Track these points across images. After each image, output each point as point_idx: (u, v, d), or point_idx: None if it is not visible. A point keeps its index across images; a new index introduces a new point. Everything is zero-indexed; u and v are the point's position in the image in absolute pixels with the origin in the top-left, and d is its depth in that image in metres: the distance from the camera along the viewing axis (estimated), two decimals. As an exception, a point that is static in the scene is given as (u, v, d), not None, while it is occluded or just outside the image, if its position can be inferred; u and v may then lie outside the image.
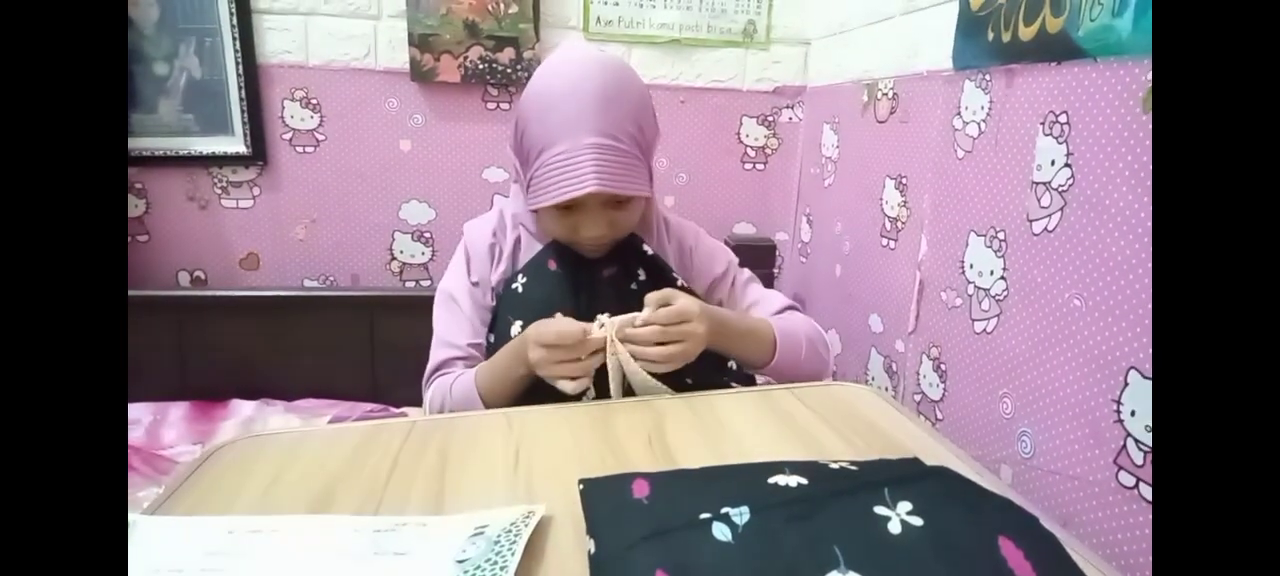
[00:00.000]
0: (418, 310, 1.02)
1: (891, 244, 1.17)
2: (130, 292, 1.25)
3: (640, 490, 0.47)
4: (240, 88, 1.40)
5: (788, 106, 1.61)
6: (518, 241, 0.87)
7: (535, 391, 0.74)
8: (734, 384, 0.86)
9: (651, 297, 0.72)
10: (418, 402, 0.97)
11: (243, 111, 1.42)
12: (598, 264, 0.83)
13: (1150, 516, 0.67)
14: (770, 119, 1.61)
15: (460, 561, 0.42)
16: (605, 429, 0.64)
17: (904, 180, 1.14)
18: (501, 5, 1.41)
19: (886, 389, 1.19)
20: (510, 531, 0.44)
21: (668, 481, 0.48)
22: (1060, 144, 0.78)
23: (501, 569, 0.41)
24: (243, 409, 1.38)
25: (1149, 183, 0.67)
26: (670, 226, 0.91)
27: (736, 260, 0.94)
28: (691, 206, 1.60)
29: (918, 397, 1.08)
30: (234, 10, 1.36)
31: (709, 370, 0.82)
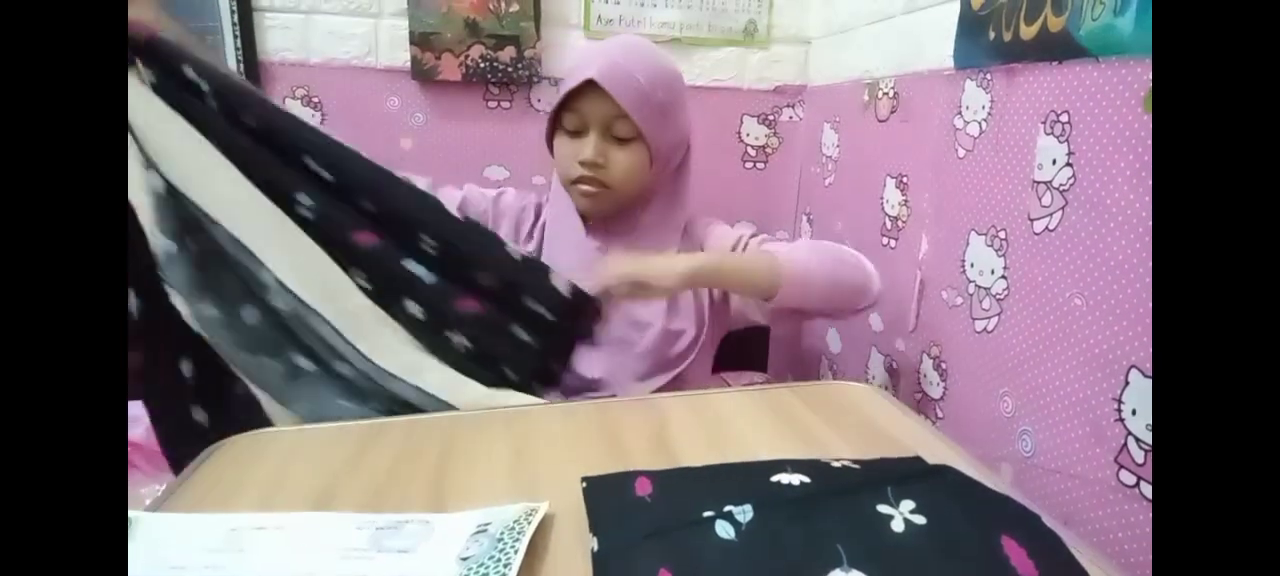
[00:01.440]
0: (419, 308, 1.02)
1: (892, 243, 1.17)
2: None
3: (643, 488, 0.47)
4: (241, 85, 1.40)
5: (788, 105, 1.61)
6: (543, 225, 0.96)
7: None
8: (730, 382, 0.89)
9: None
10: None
11: (243, 109, 1.41)
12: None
13: (1151, 514, 0.67)
14: (771, 118, 1.61)
15: (464, 559, 0.42)
16: (607, 427, 0.65)
17: (904, 179, 1.14)
18: (502, 4, 1.41)
19: (887, 388, 1.19)
20: (513, 529, 0.44)
21: (670, 479, 0.48)
22: (1061, 143, 0.78)
23: (505, 566, 0.41)
24: (243, 407, 1.38)
25: (1150, 181, 0.67)
26: (690, 229, 0.99)
27: (753, 232, 1.00)
28: (692, 205, 1.59)
29: (918, 396, 1.08)
30: (235, 8, 1.36)
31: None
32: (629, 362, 0.88)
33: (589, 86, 0.83)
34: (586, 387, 0.88)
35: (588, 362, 0.87)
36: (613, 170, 0.85)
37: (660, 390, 0.88)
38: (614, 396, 0.87)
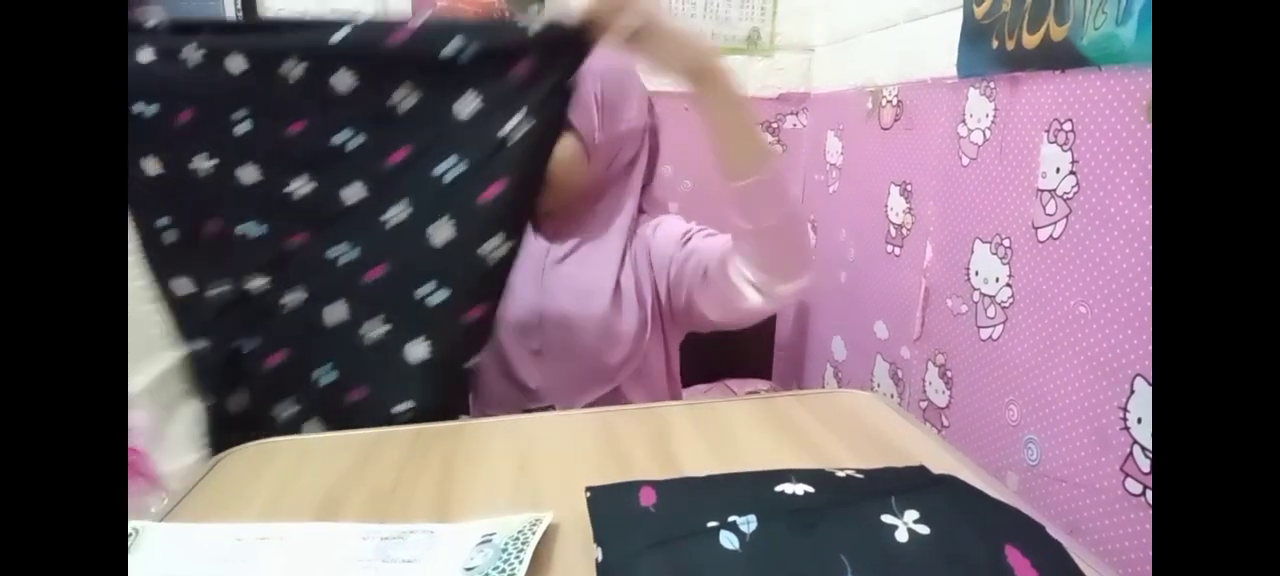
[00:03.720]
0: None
1: (896, 251, 1.17)
2: (138, 299, 1.25)
3: (647, 498, 0.47)
4: (247, 95, 1.41)
5: (792, 113, 1.61)
6: None
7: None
8: (734, 389, 0.87)
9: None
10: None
11: (250, 119, 1.42)
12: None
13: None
14: (775, 126, 1.61)
15: (468, 569, 0.42)
16: (610, 436, 0.65)
17: (909, 187, 1.14)
18: (506, 11, 1.42)
19: (892, 396, 1.19)
20: (518, 539, 0.44)
21: (675, 489, 0.48)
22: (1065, 151, 0.78)
23: (509, 577, 0.41)
24: (249, 415, 1.39)
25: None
26: (638, 228, 0.92)
27: (702, 228, 0.90)
28: (696, 213, 1.59)
29: (923, 404, 1.08)
30: (240, 13, 1.37)
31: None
32: (565, 370, 0.85)
33: None
34: (525, 398, 0.86)
35: (525, 371, 0.86)
36: None
37: (602, 401, 0.85)
38: (552, 408, 0.85)
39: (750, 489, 0.47)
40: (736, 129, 0.72)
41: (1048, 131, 0.80)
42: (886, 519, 0.40)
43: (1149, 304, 0.68)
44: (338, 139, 0.73)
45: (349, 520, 0.51)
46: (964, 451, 0.65)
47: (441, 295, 0.73)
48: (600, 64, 0.83)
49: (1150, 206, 0.67)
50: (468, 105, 0.70)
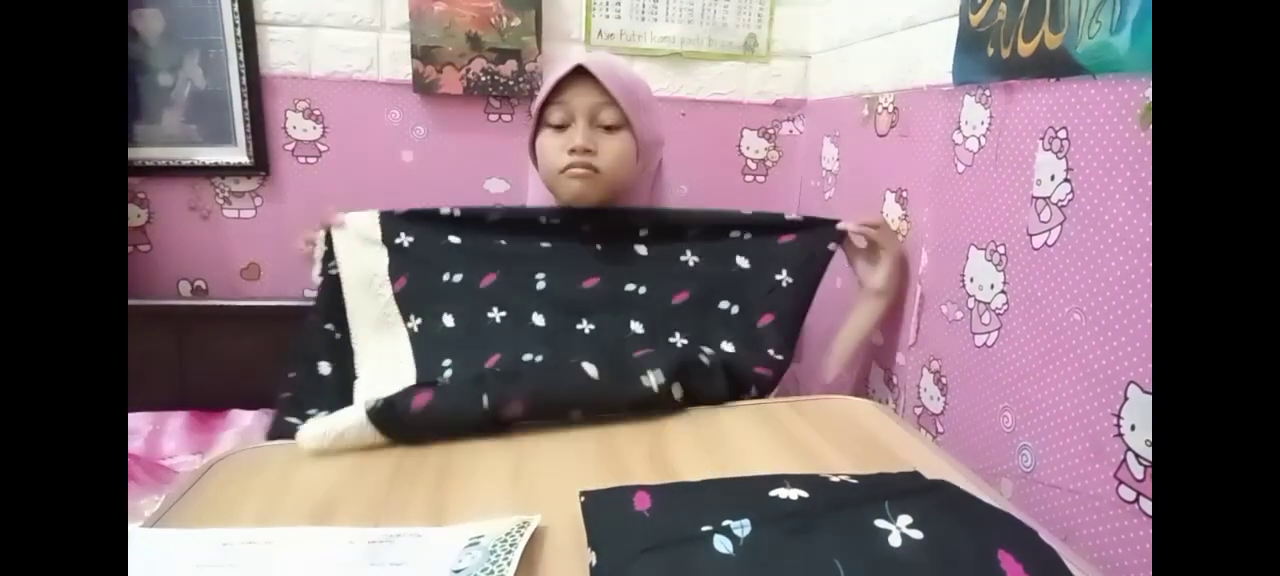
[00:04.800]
0: (418, 321, 1.02)
1: (892, 257, 1.17)
2: (131, 302, 1.25)
3: (642, 503, 0.47)
4: (243, 98, 1.41)
5: (788, 119, 1.61)
6: None
7: None
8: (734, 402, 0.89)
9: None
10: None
11: (245, 122, 1.42)
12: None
13: (1150, 530, 0.67)
14: (771, 131, 1.61)
15: (456, 571, 0.42)
16: (606, 442, 0.65)
17: (904, 193, 1.14)
18: (504, 18, 1.42)
19: (887, 402, 1.19)
20: (506, 541, 0.44)
21: (669, 494, 0.48)
22: (1059, 159, 0.78)
23: (499, 580, 0.41)
24: (242, 419, 1.38)
25: (1147, 198, 0.67)
26: None
27: None
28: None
29: (918, 410, 1.08)
30: (238, 22, 1.37)
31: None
32: None
33: (574, 80, 0.88)
34: None
35: None
36: (603, 155, 0.90)
37: None
38: None
39: (745, 494, 0.47)
40: (895, 274, 1.04)
41: (1042, 139, 0.81)
42: (880, 523, 0.40)
43: (1142, 311, 0.68)
44: (629, 287, 0.94)
45: (343, 524, 0.50)
46: (959, 458, 0.65)
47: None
48: (635, 74, 0.91)
49: (1143, 214, 0.67)
50: (743, 262, 1.00)
